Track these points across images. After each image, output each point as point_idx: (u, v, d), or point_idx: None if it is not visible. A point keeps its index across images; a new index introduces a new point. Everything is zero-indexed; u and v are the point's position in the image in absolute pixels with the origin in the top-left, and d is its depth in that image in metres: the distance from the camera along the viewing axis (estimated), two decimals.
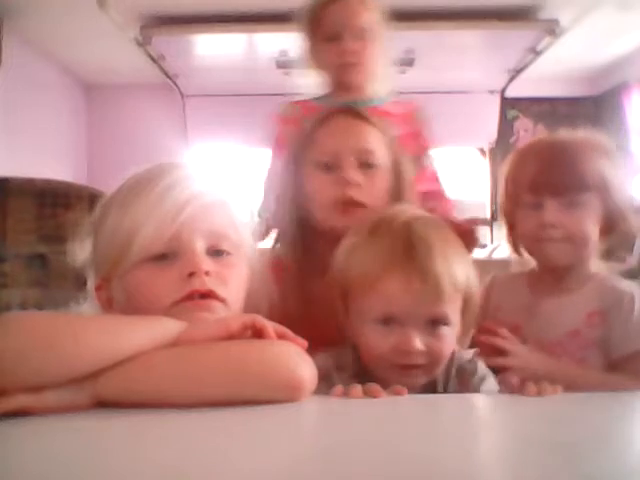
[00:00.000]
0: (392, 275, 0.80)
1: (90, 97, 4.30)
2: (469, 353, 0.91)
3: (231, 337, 0.68)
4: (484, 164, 4.56)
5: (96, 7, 2.86)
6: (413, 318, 0.80)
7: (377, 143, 1.05)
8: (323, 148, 1.04)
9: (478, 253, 4.25)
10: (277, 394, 0.65)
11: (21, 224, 1.24)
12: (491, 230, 4.44)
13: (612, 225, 1.00)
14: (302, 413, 0.66)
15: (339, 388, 0.74)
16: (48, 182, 1.32)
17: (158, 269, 0.74)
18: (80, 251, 0.82)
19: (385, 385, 0.75)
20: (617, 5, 2.86)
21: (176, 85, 4.09)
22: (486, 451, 0.53)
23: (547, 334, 0.98)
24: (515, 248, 1.09)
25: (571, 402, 0.75)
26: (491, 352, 0.94)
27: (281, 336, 0.70)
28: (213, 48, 3.61)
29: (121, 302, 0.77)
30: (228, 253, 0.78)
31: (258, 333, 0.69)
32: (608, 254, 1.04)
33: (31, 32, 3.30)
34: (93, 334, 0.65)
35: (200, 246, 0.75)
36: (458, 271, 0.82)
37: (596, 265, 1.03)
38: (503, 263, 1.16)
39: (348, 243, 0.88)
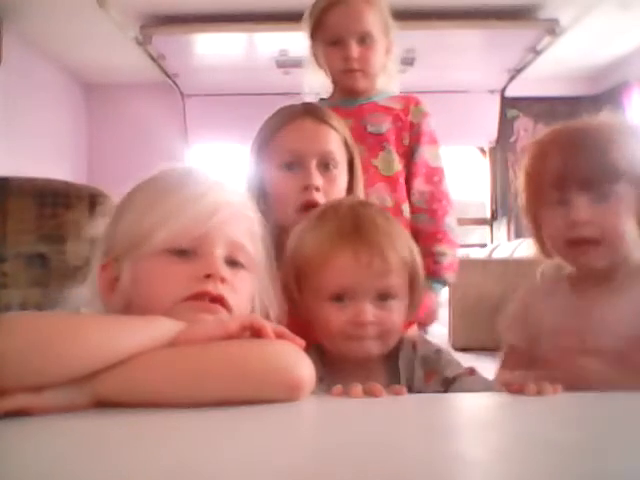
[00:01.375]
0: (341, 251, 0.85)
1: (90, 96, 4.31)
2: (433, 344, 0.92)
3: (229, 337, 0.68)
4: (484, 163, 4.57)
5: (96, 7, 2.86)
6: (363, 291, 0.85)
7: (337, 145, 1.11)
8: (286, 149, 1.09)
9: (478, 253, 4.22)
10: (277, 393, 0.65)
11: (21, 224, 1.24)
12: (491, 230, 4.45)
13: None
14: (301, 413, 0.66)
15: (338, 388, 0.74)
16: (48, 182, 1.32)
17: (175, 262, 0.75)
18: (93, 227, 0.84)
19: (350, 381, 0.75)
20: (618, 5, 2.86)
21: (176, 84, 4.09)
22: (485, 451, 0.53)
23: (606, 342, 0.86)
24: (543, 250, 0.97)
25: (571, 402, 0.75)
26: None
27: (279, 336, 0.70)
28: (213, 47, 3.61)
29: (126, 286, 0.77)
30: (242, 266, 0.79)
31: (256, 333, 0.70)
32: None
33: (31, 32, 3.30)
34: (92, 334, 0.65)
35: (220, 252, 0.77)
36: (402, 247, 0.88)
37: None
38: (503, 262, 1.16)
39: (299, 229, 0.94)
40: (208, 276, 0.74)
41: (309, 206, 1.05)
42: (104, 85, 4.24)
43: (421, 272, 0.92)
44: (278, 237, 1.11)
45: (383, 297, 0.86)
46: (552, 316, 0.93)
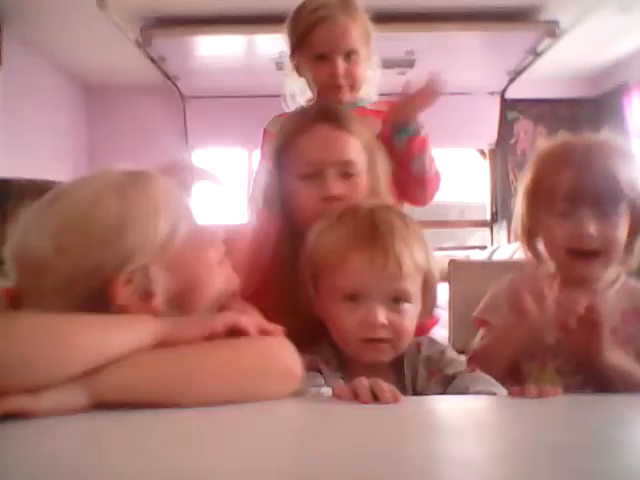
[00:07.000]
0: (357, 253, 0.86)
1: (90, 98, 4.30)
2: (440, 345, 0.94)
3: (214, 336, 0.70)
4: (484, 165, 4.57)
5: (96, 9, 2.86)
6: (377, 294, 0.86)
7: (356, 151, 1.09)
8: (305, 159, 1.07)
9: (478, 255, 4.20)
10: (276, 386, 0.68)
11: None
12: (491, 232, 4.45)
13: (637, 228, 0.99)
14: (300, 414, 0.66)
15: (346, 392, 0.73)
16: (49, 183, 1.32)
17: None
18: None
19: (366, 376, 0.74)
20: (618, 7, 2.86)
21: (176, 86, 4.09)
22: (485, 453, 0.52)
23: None
24: (535, 254, 1.05)
25: (571, 404, 0.75)
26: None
27: (262, 332, 0.72)
28: (213, 49, 3.61)
29: (168, 287, 0.75)
30: None
31: (240, 333, 0.72)
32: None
33: (31, 34, 3.30)
34: (79, 335, 0.64)
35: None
36: (417, 251, 0.88)
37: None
38: (503, 264, 1.16)
39: (317, 228, 0.95)
40: None
41: None
42: (104, 87, 4.23)
43: (436, 278, 0.92)
44: (298, 241, 1.08)
45: (396, 300, 0.87)
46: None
